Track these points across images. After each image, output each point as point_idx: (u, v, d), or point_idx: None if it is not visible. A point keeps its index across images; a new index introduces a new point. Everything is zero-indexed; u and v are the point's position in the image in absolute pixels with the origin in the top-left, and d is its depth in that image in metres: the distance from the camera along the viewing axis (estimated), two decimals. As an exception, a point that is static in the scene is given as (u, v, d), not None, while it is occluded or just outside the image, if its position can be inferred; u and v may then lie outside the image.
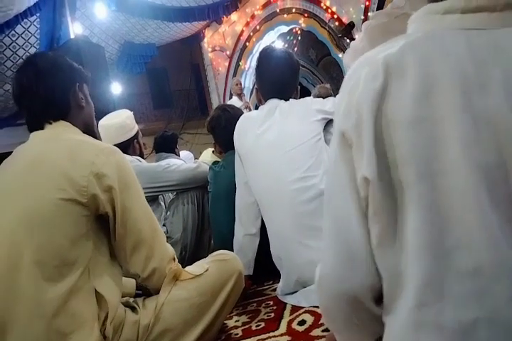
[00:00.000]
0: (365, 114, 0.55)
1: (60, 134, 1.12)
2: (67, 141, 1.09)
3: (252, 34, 8.49)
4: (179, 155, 2.94)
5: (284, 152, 1.52)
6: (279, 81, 1.65)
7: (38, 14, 6.05)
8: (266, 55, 1.69)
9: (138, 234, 1.10)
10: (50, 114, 1.14)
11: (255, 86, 1.79)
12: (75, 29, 6.10)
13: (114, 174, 1.05)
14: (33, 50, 6.65)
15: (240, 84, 6.15)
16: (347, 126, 0.58)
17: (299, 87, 1.75)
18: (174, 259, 1.20)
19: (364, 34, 1.13)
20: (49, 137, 1.11)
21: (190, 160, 3.80)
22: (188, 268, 1.25)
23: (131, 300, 1.19)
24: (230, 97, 6.64)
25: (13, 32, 6.13)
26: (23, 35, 6.31)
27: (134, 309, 1.14)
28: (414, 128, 0.52)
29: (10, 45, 6.37)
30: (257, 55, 1.77)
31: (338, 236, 0.59)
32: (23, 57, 6.69)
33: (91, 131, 1.24)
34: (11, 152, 1.15)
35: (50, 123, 1.13)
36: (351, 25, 5.88)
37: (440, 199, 0.51)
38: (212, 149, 3.08)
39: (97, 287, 1.03)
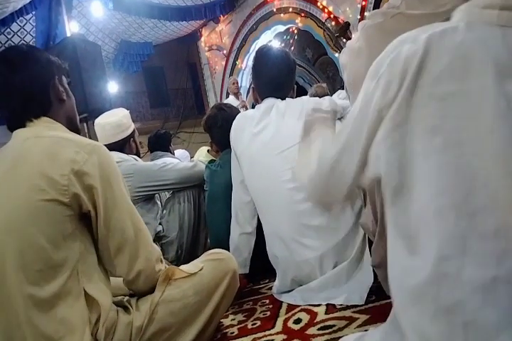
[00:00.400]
0: (405, 85, 0.61)
1: (41, 132, 1.07)
2: (47, 139, 1.04)
3: (248, 33, 8.48)
4: (174, 154, 2.94)
5: (280, 151, 1.52)
6: (276, 80, 1.65)
7: (33, 12, 6.02)
8: (262, 54, 1.69)
9: (121, 234, 1.06)
10: (30, 110, 1.09)
11: (252, 85, 1.79)
12: (71, 27, 6.06)
13: (95, 172, 1.01)
14: (28, 49, 6.61)
15: (237, 83, 6.15)
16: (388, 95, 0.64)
17: (295, 86, 1.75)
18: (161, 261, 1.17)
19: (360, 34, 1.14)
20: (29, 136, 1.06)
21: (186, 159, 3.81)
22: (183, 267, 1.24)
23: (125, 298, 1.16)
24: (227, 96, 6.64)
25: (8, 30, 6.10)
26: (18, 33, 6.27)
27: (126, 309, 1.11)
28: (446, 100, 0.58)
29: (5, 43, 6.33)
30: (253, 54, 1.77)
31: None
32: (19, 56, 6.65)
33: (74, 125, 1.19)
34: None
35: (32, 121, 1.09)
36: (347, 25, 5.90)
37: (467, 165, 0.56)
38: (208, 148, 3.09)
39: (87, 289, 1.00)
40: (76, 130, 1.19)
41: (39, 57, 1.13)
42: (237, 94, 5.95)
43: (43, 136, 1.05)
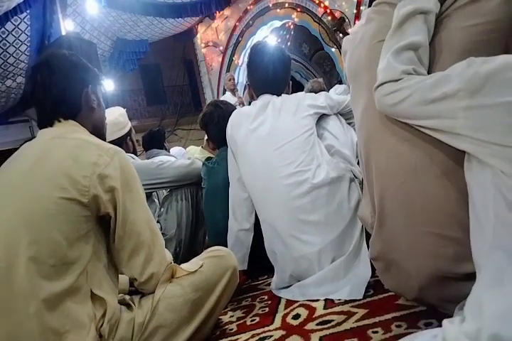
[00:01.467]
0: None
1: (67, 133, 1.12)
2: (72, 141, 1.09)
3: (245, 29, 8.46)
4: (169, 151, 2.95)
5: (276, 147, 1.52)
6: (271, 77, 1.65)
7: (28, 11, 5.99)
8: (257, 50, 1.69)
9: (137, 236, 1.09)
10: (60, 112, 1.15)
11: (247, 82, 1.78)
12: (66, 26, 6.04)
13: (117, 175, 1.05)
14: (23, 48, 6.59)
15: (233, 79, 6.14)
16: None
17: (290, 82, 1.75)
18: (171, 264, 1.20)
19: (364, 20, 1.13)
20: (55, 135, 1.11)
21: (182, 156, 3.81)
22: (183, 266, 1.26)
23: (128, 297, 1.19)
24: (224, 93, 6.63)
25: (3, 29, 6.07)
26: (13, 33, 6.25)
27: (129, 306, 1.14)
28: None
29: (0, 42, 6.30)
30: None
31: None
32: (14, 55, 6.64)
33: (99, 132, 1.24)
34: (5, 150, 1.15)
35: (60, 121, 1.15)
36: (342, 20, 5.92)
37: None
38: (197, 147, 3.10)
39: (94, 289, 1.02)
40: (102, 137, 1.23)
41: (78, 65, 1.21)
42: (233, 91, 5.95)
43: (68, 138, 1.10)
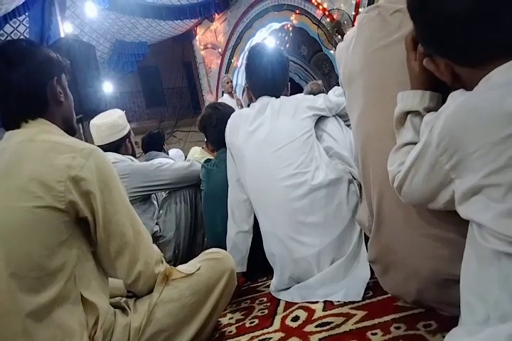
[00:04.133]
0: None
1: (36, 135, 1.04)
2: (43, 143, 1.02)
3: (243, 31, 8.48)
4: (168, 153, 2.95)
5: (275, 149, 1.52)
6: (270, 79, 1.65)
7: (26, 13, 6.00)
8: (255, 53, 1.69)
9: (121, 237, 1.05)
10: (25, 111, 1.06)
11: (246, 84, 1.79)
12: (65, 28, 6.04)
13: (92, 177, 0.99)
14: (23, 50, 6.60)
15: (231, 82, 6.15)
16: None
17: (289, 83, 1.75)
18: (162, 261, 1.17)
19: (356, 26, 1.15)
20: (23, 138, 1.03)
21: (180, 158, 3.82)
22: (180, 267, 1.24)
23: (123, 300, 1.16)
24: (222, 95, 6.64)
25: (1, 32, 6.08)
26: (12, 35, 6.25)
27: (124, 310, 1.11)
28: None
29: (-1, 45, 6.31)
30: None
31: None
32: (13, 57, 6.63)
33: (70, 126, 1.16)
34: None
35: (27, 122, 1.06)
36: (338, 24, 5.99)
37: None
38: (199, 148, 3.10)
39: (84, 293, 0.99)
40: (72, 131, 1.16)
41: (38, 55, 1.08)
42: (231, 93, 5.95)
43: (38, 140, 1.02)
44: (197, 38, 9.96)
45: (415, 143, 0.82)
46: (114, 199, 1.04)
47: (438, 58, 0.78)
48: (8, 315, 0.91)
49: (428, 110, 0.85)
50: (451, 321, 0.76)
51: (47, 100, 1.09)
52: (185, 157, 4.04)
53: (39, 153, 1.00)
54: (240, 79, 8.59)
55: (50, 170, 0.96)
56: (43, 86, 1.09)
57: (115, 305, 1.11)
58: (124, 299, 1.16)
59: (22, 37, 6.38)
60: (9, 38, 6.27)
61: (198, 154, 3.01)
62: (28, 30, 6.34)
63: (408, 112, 0.89)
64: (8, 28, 6.09)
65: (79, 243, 1.02)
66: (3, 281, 0.92)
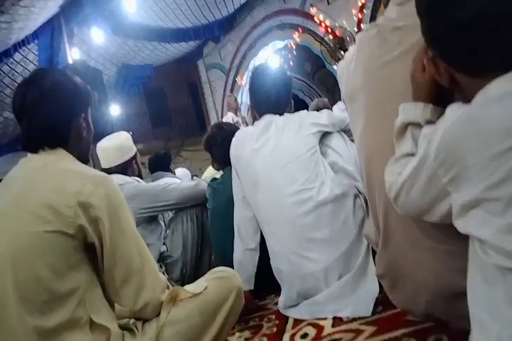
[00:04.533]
0: None
1: (51, 163, 1.06)
2: (55, 170, 1.05)
3: (247, 51, 8.62)
4: (175, 173, 2.96)
5: (280, 166, 1.53)
6: (273, 97, 1.67)
7: (35, 41, 6.16)
8: (258, 73, 1.72)
9: (127, 264, 1.05)
10: (46, 141, 1.08)
11: (250, 104, 1.81)
12: (72, 54, 6.20)
13: (101, 204, 1.00)
14: (32, 77, 6.74)
15: (236, 100, 6.22)
16: None
17: (292, 101, 1.77)
18: (168, 287, 1.16)
19: (356, 45, 1.17)
20: (38, 165, 1.06)
21: (187, 177, 3.82)
22: (187, 287, 1.24)
23: (131, 321, 1.14)
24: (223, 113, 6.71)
25: (11, 60, 6.24)
26: (21, 63, 6.41)
27: (131, 332, 1.09)
28: None
29: (9, 72, 6.47)
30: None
31: None
32: (22, 84, 6.78)
33: (85, 156, 1.19)
34: None
35: (44, 149, 1.08)
36: (341, 41, 6.07)
37: None
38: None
39: (93, 317, 0.99)
40: (86, 160, 1.19)
41: (70, 90, 1.12)
42: (236, 111, 6.02)
43: (53, 168, 1.05)
44: (202, 58, 10.14)
45: (414, 155, 0.82)
46: (122, 227, 1.05)
47: (440, 61, 0.79)
48: (16, 337, 0.92)
49: (429, 122, 0.86)
50: (463, 335, 0.75)
51: (69, 135, 1.12)
52: (192, 176, 4.06)
53: (50, 179, 1.02)
54: (244, 97, 8.68)
55: (61, 196, 0.98)
56: (69, 122, 1.12)
57: (123, 327, 1.11)
58: (133, 321, 1.16)
59: (31, 64, 6.54)
60: (18, 65, 6.43)
61: (214, 172, 3.03)
62: (37, 57, 6.50)
63: (409, 124, 0.89)
64: (17, 56, 6.25)
65: (88, 268, 1.03)
66: (12, 304, 0.92)
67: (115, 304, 1.11)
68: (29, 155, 1.10)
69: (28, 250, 0.95)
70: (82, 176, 1.03)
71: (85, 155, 1.20)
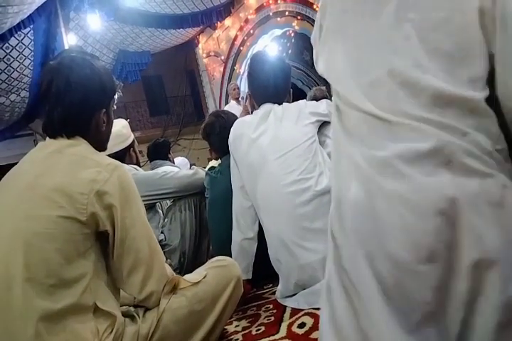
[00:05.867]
0: None
1: (68, 149, 1.08)
2: (71, 157, 1.06)
3: (246, 38, 8.53)
4: (173, 162, 2.95)
5: (278, 155, 1.52)
6: (272, 86, 1.66)
7: (31, 26, 6.08)
8: (257, 60, 1.70)
9: (136, 254, 1.07)
10: (66, 130, 1.10)
11: (248, 92, 1.80)
12: (69, 40, 6.13)
13: (115, 191, 1.02)
14: (27, 62, 6.68)
15: (238, 88, 6.17)
16: None
17: (291, 90, 1.76)
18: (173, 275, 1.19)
19: None
20: (54, 149, 1.07)
21: (186, 166, 3.82)
22: (187, 276, 1.25)
23: (132, 309, 1.17)
24: (226, 102, 6.66)
25: (6, 44, 6.16)
26: (17, 48, 6.34)
27: (133, 318, 1.12)
28: None
29: (4, 57, 6.39)
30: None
31: None
32: (18, 70, 6.72)
33: (102, 146, 1.21)
34: (11, 164, 1.12)
35: (62, 136, 1.10)
36: None
37: None
38: None
39: (99, 304, 1.01)
40: (102, 150, 1.20)
41: (94, 86, 1.12)
42: (238, 100, 5.97)
43: (68, 154, 1.06)
44: (199, 46, 10.05)
45: None
46: (133, 216, 1.07)
47: None
48: (21, 319, 0.93)
49: None
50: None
51: (89, 127, 1.14)
52: (191, 165, 4.06)
53: (65, 165, 1.04)
54: (242, 86, 8.63)
55: (75, 183, 1.00)
56: (90, 116, 1.13)
57: (125, 314, 1.13)
58: (134, 308, 1.18)
59: (27, 49, 6.46)
60: (14, 50, 6.36)
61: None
62: (32, 42, 6.42)
63: None
64: (13, 41, 6.17)
65: (96, 256, 1.04)
66: (18, 286, 0.94)
67: (120, 295, 1.13)
68: (47, 139, 1.12)
69: (40, 233, 0.97)
70: (97, 164, 1.05)
71: (103, 145, 1.22)
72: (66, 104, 1.09)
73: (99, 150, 1.17)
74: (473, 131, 0.62)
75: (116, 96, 1.23)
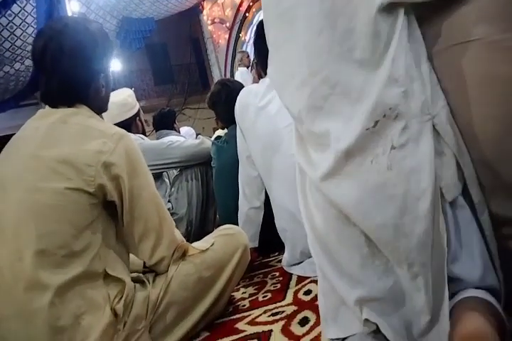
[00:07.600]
0: None
1: (70, 117, 1.06)
2: (75, 127, 1.04)
3: (251, 4, 8.29)
4: (179, 132, 2.94)
5: (286, 124, 1.50)
6: (279, 52, 1.62)
7: (33, -8, 5.92)
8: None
9: (146, 222, 1.09)
10: (65, 97, 1.08)
11: (254, 60, 1.75)
12: (71, 7, 5.98)
13: (122, 161, 1.02)
14: (30, 30, 6.55)
15: (248, 56, 6.06)
16: None
17: (299, 58, 1.71)
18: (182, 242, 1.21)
19: None
20: (57, 119, 1.05)
21: (191, 136, 3.80)
22: (195, 244, 1.27)
23: (142, 275, 1.20)
24: (232, 71, 6.54)
25: (9, 12, 6.03)
26: (19, 15, 6.20)
27: (143, 284, 1.15)
28: None
29: (7, 25, 6.27)
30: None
31: None
32: (21, 38, 6.60)
33: (102, 110, 1.19)
34: (14, 134, 1.09)
35: (63, 104, 1.08)
36: None
37: None
38: None
39: (108, 271, 1.03)
40: (102, 112, 1.20)
41: (89, 49, 1.09)
42: (249, 67, 5.87)
43: (70, 123, 1.05)
44: (204, 12, 9.78)
45: None
46: (141, 184, 1.07)
47: None
48: (33, 290, 0.94)
49: None
50: None
51: (88, 93, 1.12)
52: (197, 134, 4.04)
53: (71, 136, 1.03)
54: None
55: (82, 154, 1.00)
56: (88, 82, 1.11)
57: (135, 280, 1.15)
58: (143, 275, 1.20)
59: (30, 17, 6.32)
60: (17, 17, 6.22)
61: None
62: (35, 9, 6.27)
63: None
64: (15, 8, 6.03)
65: (105, 225, 1.05)
66: (28, 259, 0.94)
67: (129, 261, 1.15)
68: (47, 108, 1.10)
69: (50, 205, 0.98)
70: (102, 134, 1.04)
71: (103, 108, 1.21)
72: (61, 72, 1.06)
73: (101, 112, 1.17)
74: None
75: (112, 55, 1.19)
